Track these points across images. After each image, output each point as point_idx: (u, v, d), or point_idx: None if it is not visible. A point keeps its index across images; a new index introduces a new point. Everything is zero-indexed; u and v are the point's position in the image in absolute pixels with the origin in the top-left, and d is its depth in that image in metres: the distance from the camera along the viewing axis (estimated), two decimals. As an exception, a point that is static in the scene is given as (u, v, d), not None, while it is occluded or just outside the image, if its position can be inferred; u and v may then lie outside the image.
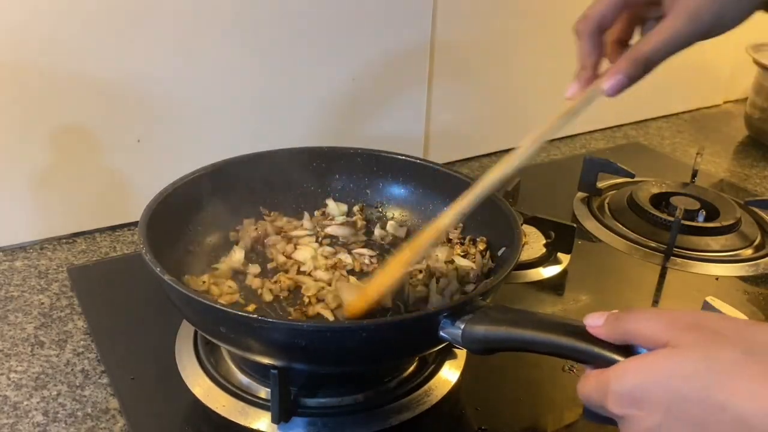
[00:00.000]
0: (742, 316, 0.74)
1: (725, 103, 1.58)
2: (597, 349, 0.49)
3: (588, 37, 0.59)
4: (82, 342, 0.75)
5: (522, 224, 0.90)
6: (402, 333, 0.59)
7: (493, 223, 0.77)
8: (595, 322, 0.49)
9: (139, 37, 0.88)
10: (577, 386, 0.47)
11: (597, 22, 0.59)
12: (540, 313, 0.59)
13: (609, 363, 0.46)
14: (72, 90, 0.86)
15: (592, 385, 0.45)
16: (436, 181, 0.84)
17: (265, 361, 0.62)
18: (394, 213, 0.87)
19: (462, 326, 0.57)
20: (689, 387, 0.41)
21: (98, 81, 0.87)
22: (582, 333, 0.50)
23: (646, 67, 0.57)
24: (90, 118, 0.89)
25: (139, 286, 0.80)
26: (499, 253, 0.76)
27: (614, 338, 0.47)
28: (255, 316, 0.56)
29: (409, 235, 0.85)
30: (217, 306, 0.58)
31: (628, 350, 0.47)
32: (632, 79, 0.57)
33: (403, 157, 0.85)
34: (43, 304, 0.81)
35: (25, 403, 0.67)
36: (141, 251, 0.63)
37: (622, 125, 1.42)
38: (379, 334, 0.58)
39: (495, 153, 1.25)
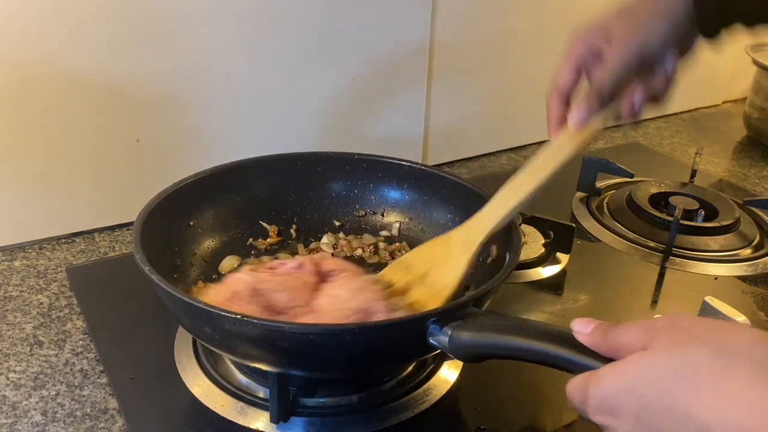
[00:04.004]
0: (742, 317, 0.74)
1: (724, 103, 1.58)
2: (584, 358, 0.48)
3: (555, 104, 0.71)
4: (81, 342, 0.75)
5: (521, 224, 0.90)
6: (389, 338, 0.58)
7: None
8: (582, 329, 0.48)
9: (139, 38, 0.88)
10: (567, 386, 0.47)
11: (561, 93, 0.70)
12: (530, 320, 0.57)
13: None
14: (71, 89, 0.86)
15: (576, 388, 0.46)
16: (441, 188, 0.83)
17: (252, 364, 0.62)
18: (397, 219, 0.86)
19: (449, 332, 0.56)
20: (655, 393, 0.41)
21: (98, 81, 0.87)
22: (570, 341, 0.49)
23: (600, 97, 0.68)
24: (89, 118, 0.89)
25: (138, 285, 0.79)
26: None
27: (601, 351, 0.47)
28: (238, 316, 0.55)
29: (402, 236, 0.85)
30: (201, 305, 0.57)
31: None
32: (592, 109, 0.68)
33: (408, 164, 0.84)
34: (42, 303, 0.81)
35: (24, 402, 0.67)
36: (133, 251, 0.63)
37: (621, 125, 1.42)
38: (365, 337, 0.57)
39: (494, 153, 1.25)
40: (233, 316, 0.55)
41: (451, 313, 0.58)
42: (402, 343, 0.60)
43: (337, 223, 0.86)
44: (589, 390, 0.44)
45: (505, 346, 0.54)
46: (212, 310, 0.56)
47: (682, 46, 0.69)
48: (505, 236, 0.71)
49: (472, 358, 0.57)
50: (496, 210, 0.70)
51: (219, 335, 0.59)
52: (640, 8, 0.68)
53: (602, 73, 0.67)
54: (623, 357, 0.45)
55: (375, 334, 0.58)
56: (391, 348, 0.60)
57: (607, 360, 0.46)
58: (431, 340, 0.57)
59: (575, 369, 0.48)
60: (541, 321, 0.56)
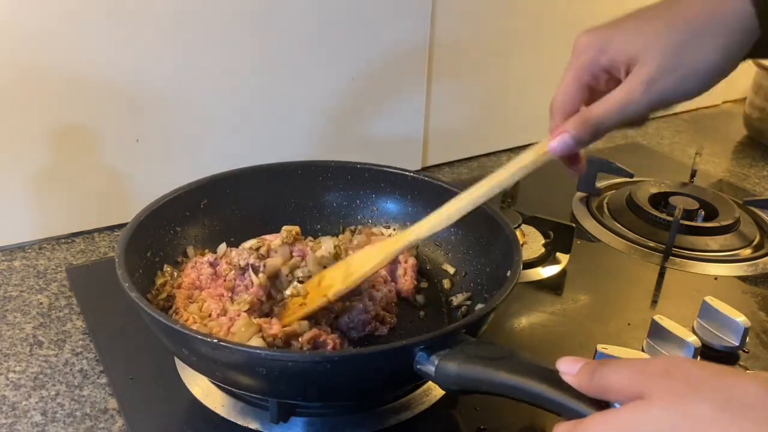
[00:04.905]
0: (742, 317, 0.74)
1: (724, 103, 1.58)
2: (573, 402, 0.45)
3: (552, 117, 0.58)
4: (80, 342, 0.75)
5: (521, 224, 0.90)
6: (373, 366, 0.56)
7: (491, 246, 0.76)
8: (568, 369, 0.45)
9: (138, 38, 0.88)
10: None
11: (557, 110, 0.58)
12: (520, 355, 0.53)
13: (582, 416, 0.44)
14: (71, 90, 0.86)
15: None
16: (443, 201, 0.81)
17: (235, 389, 0.62)
18: (399, 231, 0.85)
19: (436, 361, 0.54)
20: None
21: (98, 81, 0.87)
22: (560, 382, 0.46)
23: (595, 130, 0.55)
24: (89, 118, 0.89)
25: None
26: (477, 307, 0.74)
27: (588, 392, 0.44)
28: (215, 340, 0.55)
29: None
30: (177, 327, 0.56)
31: (603, 404, 0.44)
32: (579, 141, 0.55)
33: (411, 174, 0.83)
34: (41, 304, 0.80)
35: (24, 402, 0.66)
36: (115, 265, 0.62)
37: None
38: (346, 366, 0.55)
39: (494, 153, 1.25)
40: (208, 339, 0.55)
41: (441, 340, 0.55)
42: (387, 371, 0.58)
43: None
44: None
45: (490, 381, 0.51)
46: (188, 332, 0.56)
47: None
48: (505, 254, 0.70)
49: (458, 390, 0.55)
50: (439, 219, 0.67)
51: (196, 358, 0.58)
52: (685, 11, 0.51)
53: (607, 107, 0.54)
54: (612, 399, 0.42)
55: (357, 363, 0.56)
56: (376, 376, 0.58)
57: (596, 403, 0.44)
58: (419, 369, 0.55)
59: (563, 412, 0.46)
60: (533, 357, 0.52)
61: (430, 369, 0.54)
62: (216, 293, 0.70)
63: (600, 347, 0.69)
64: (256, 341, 0.64)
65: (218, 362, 0.57)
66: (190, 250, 0.77)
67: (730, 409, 0.37)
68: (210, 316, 0.68)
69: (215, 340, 0.55)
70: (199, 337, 0.55)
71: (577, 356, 0.46)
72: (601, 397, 0.43)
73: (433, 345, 0.55)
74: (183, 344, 0.58)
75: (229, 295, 0.70)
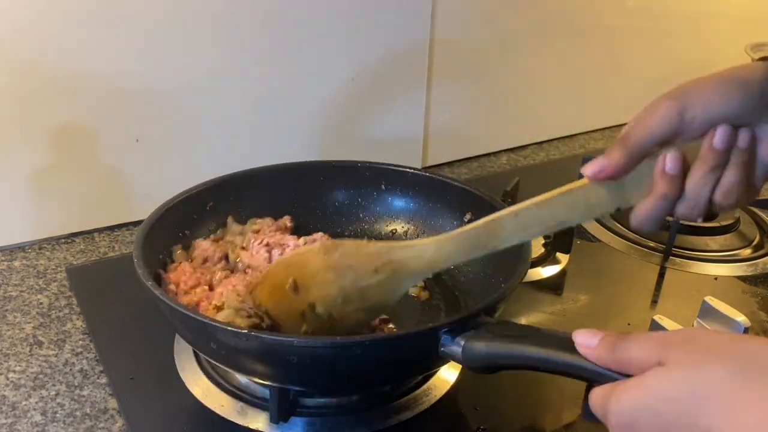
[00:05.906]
0: (742, 317, 0.74)
1: (724, 103, 1.58)
2: (602, 369, 0.46)
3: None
4: (80, 342, 0.75)
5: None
6: (400, 350, 0.58)
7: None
8: (587, 341, 0.46)
9: (138, 37, 0.88)
10: (589, 396, 0.46)
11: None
12: (544, 329, 0.54)
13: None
14: (71, 90, 0.86)
15: (597, 400, 0.44)
16: (446, 195, 0.82)
17: (260, 380, 0.63)
18: (403, 228, 0.85)
19: (462, 343, 0.55)
20: (674, 412, 0.39)
21: (98, 81, 0.87)
22: None
23: (627, 151, 0.54)
24: (89, 118, 0.89)
25: (138, 285, 0.79)
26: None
27: (608, 365, 0.45)
28: (246, 330, 0.55)
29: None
30: (207, 320, 0.57)
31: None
32: (617, 164, 0.54)
33: (412, 171, 0.84)
34: (41, 304, 0.81)
35: (24, 402, 0.66)
36: (135, 266, 0.63)
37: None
38: (375, 351, 0.56)
39: (494, 153, 1.25)
40: (240, 331, 0.55)
41: (464, 322, 0.57)
42: (413, 355, 0.59)
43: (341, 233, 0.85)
44: (609, 406, 0.42)
45: (522, 356, 0.52)
46: (218, 325, 0.56)
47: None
48: (505, 254, 0.70)
49: (486, 369, 0.56)
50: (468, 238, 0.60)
51: (225, 351, 0.59)
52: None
53: (645, 124, 0.54)
54: (632, 372, 0.43)
55: (385, 347, 0.57)
56: (402, 360, 0.60)
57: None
58: (443, 351, 0.56)
59: (597, 379, 0.46)
60: (556, 329, 0.53)
61: (456, 350, 0.56)
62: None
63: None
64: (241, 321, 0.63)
65: (248, 353, 0.57)
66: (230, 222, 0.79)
67: (746, 372, 0.38)
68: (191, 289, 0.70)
69: (246, 331, 0.55)
70: (230, 329, 0.56)
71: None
72: (621, 370, 0.44)
73: (456, 327, 0.56)
74: (211, 338, 0.58)
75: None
